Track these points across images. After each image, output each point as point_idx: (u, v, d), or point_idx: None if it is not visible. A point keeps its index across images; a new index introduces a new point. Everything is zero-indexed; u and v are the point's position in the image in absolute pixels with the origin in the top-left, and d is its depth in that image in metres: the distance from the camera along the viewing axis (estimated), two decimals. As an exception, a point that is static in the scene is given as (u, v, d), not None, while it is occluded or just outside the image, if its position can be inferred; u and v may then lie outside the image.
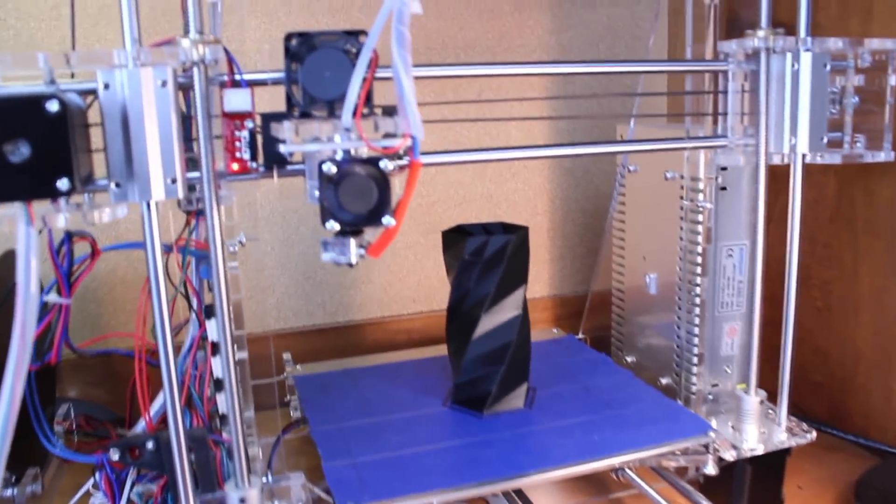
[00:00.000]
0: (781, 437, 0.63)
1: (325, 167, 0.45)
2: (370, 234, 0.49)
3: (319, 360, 0.83)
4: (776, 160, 0.61)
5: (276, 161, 0.49)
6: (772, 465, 0.65)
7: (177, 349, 0.60)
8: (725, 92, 0.62)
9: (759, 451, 0.62)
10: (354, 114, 0.45)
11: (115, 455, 0.55)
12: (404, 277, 0.92)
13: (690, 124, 0.68)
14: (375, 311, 0.92)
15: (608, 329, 0.86)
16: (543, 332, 0.85)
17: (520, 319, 0.64)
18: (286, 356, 0.78)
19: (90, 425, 0.75)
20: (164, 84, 0.44)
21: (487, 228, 0.67)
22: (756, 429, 0.63)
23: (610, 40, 0.94)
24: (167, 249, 0.58)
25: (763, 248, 0.61)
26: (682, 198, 0.69)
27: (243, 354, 0.57)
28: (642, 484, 0.66)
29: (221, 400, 0.59)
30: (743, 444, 0.62)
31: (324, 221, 0.46)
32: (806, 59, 0.58)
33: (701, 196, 0.67)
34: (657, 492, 0.65)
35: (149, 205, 0.46)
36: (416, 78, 0.52)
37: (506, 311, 0.64)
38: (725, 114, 0.62)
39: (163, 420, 0.62)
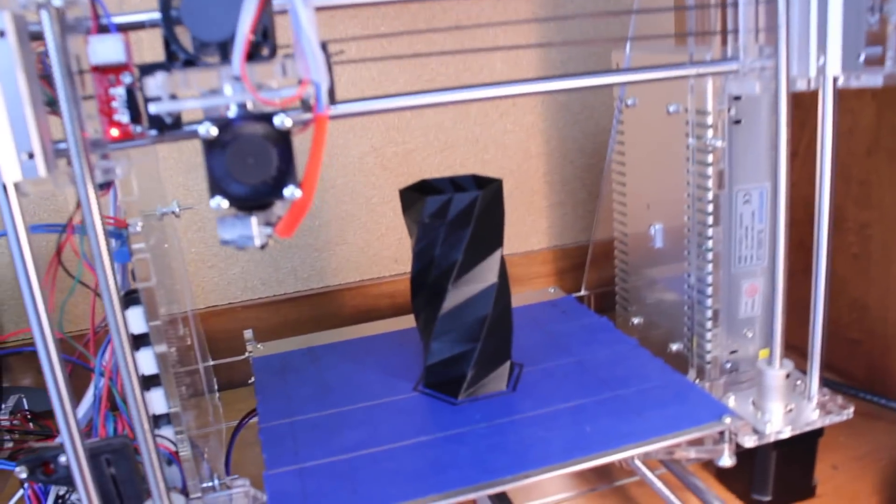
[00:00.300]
0: (812, 417, 0.53)
1: (202, 129, 0.35)
2: (281, 206, 0.39)
3: (294, 331, 0.75)
4: (801, 85, 0.49)
5: (161, 123, 0.40)
6: (800, 449, 0.55)
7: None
8: (736, 4, 0.50)
9: (786, 434, 0.52)
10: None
11: (22, 473, 0.48)
12: (383, 236, 0.82)
13: (694, 46, 0.56)
14: (353, 274, 0.82)
15: (613, 283, 0.76)
16: (539, 292, 0.75)
17: (496, 289, 0.54)
18: (247, 334, 0.69)
19: (34, 422, 0.68)
20: (1, 34, 0.35)
21: (456, 183, 0.57)
22: (781, 407, 0.53)
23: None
24: (58, 230, 0.49)
25: (786, 191, 0.50)
26: (687, 135, 0.58)
27: (161, 348, 0.49)
28: (647, 473, 0.57)
29: (151, 400, 0.51)
30: (766, 426, 0.52)
31: (211, 197, 0.36)
32: (838, -46, 0.46)
33: (710, 132, 0.56)
34: (663, 481, 0.56)
35: (5, 188, 0.37)
36: (389, 3, 0.41)
37: (478, 280, 0.54)
38: (736, 31, 0.51)
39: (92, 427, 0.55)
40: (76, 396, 0.54)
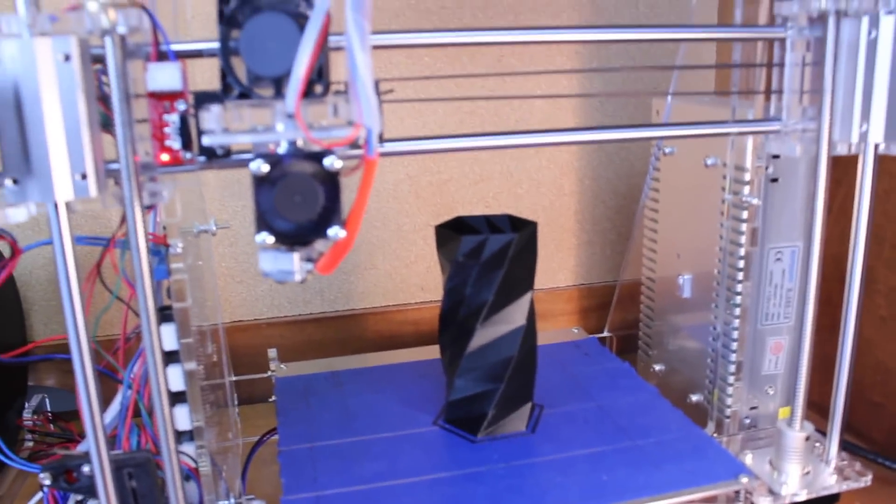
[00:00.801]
0: (829, 482, 0.53)
1: (253, 165, 0.36)
2: (323, 243, 0.40)
3: (318, 351, 0.76)
4: (841, 150, 0.49)
5: (212, 153, 0.40)
6: (817, 512, 0.55)
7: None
8: (782, 65, 0.50)
9: (801, 497, 0.52)
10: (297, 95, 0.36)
11: (46, 480, 0.49)
12: (412, 263, 0.83)
13: (738, 103, 0.57)
14: (379, 299, 0.83)
15: (637, 326, 0.76)
16: (562, 332, 0.75)
17: (522, 331, 0.55)
18: (271, 353, 0.70)
19: (55, 424, 0.69)
20: (67, 58, 0.36)
21: (491, 222, 0.57)
22: (799, 469, 0.53)
23: (651, -2, 0.82)
24: (102, 244, 0.50)
25: (820, 253, 0.50)
26: (724, 189, 0.58)
27: (191, 366, 0.49)
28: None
29: (176, 416, 0.52)
30: (781, 487, 0.52)
31: (257, 232, 0.37)
32: (888, 23, 0.45)
33: (747, 189, 0.56)
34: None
35: (57, 205, 0.38)
36: (426, 45, 0.42)
37: (506, 321, 0.54)
38: (780, 91, 0.51)
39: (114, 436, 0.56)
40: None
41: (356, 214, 0.37)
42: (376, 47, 0.43)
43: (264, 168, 0.36)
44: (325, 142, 0.36)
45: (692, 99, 0.67)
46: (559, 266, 0.87)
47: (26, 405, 0.71)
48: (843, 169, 0.49)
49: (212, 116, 0.37)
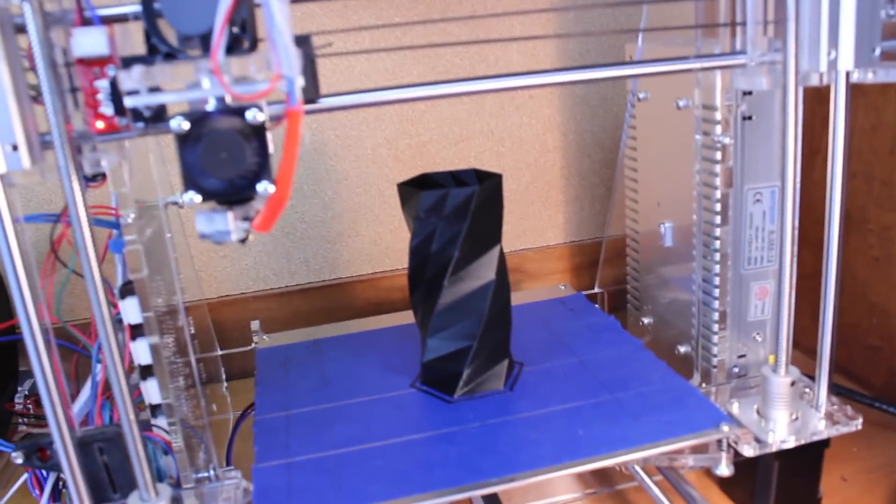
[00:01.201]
0: (818, 427, 0.51)
1: (173, 123, 0.35)
2: (261, 201, 0.39)
3: (306, 322, 0.75)
4: (813, 80, 0.47)
5: (141, 116, 0.39)
6: (806, 459, 0.53)
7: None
8: (743, -6, 0.48)
9: (789, 444, 0.50)
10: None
11: (18, 459, 0.49)
12: (396, 229, 0.81)
13: (702, 39, 0.55)
14: (365, 266, 0.82)
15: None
16: (549, 289, 0.74)
17: (493, 286, 0.53)
18: (254, 325, 0.69)
19: (41, 406, 0.69)
20: (-15, 27, 0.35)
21: (457, 177, 0.56)
22: (786, 415, 0.51)
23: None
24: (52, 220, 0.50)
25: (794, 192, 0.48)
26: (695, 131, 0.56)
27: (154, 339, 0.49)
28: (645, 479, 0.56)
29: (147, 389, 0.51)
30: (768, 435, 0.50)
31: (184, 192, 0.36)
32: (851, -56, 0.44)
33: (718, 128, 0.54)
34: (661, 489, 0.55)
35: (-11, 178, 0.37)
36: None
37: (475, 276, 0.53)
38: (744, 24, 0.49)
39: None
40: (82, 384, 0.55)
41: (285, 168, 0.36)
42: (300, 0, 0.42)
43: (185, 125, 0.35)
44: (245, 94, 0.35)
45: (667, 41, 0.64)
46: (548, 224, 0.85)
47: (18, 389, 0.71)
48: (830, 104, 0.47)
49: (132, 76, 0.36)
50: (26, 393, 0.71)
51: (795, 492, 0.54)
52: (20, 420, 0.70)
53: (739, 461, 0.51)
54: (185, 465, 0.51)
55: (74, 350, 0.57)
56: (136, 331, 0.49)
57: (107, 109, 0.40)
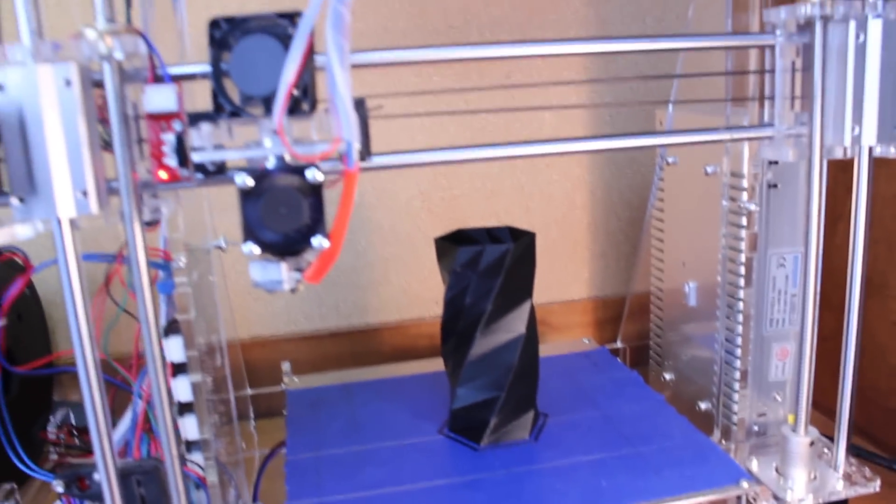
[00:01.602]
0: (836, 487, 0.52)
1: (238, 179, 0.38)
2: (312, 253, 0.41)
3: (334, 365, 0.77)
4: (837, 154, 0.49)
5: (205, 170, 0.42)
6: (823, 519, 0.54)
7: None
8: (773, 71, 0.51)
9: (807, 502, 0.51)
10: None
11: (59, 487, 0.50)
12: (425, 278, 0.84)
13: (731, 110, 0.57)
14: (394, 314, 0.84)
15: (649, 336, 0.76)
16: (573, 342, 0.76)
17: (523, 340, 0.55)
18: (284, 366, 0.71)
19: (78, 437, 0.71)
20: (68, 83, 0.38)
21: (492, 234, 0.58)
22: (805, 474, 0.53)
23: (659, 12, 0.83)
24: (108, 260, 0.52)
25: (817, 258, 0.50)
26: (722, 196, 0.59)
27: (196, 377, 0.51)
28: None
29: (184, 426, 0.53)
30: (786, 493, 0.51)
31: (244, 242, 0.39)
32: (875, 27, 0.46)
33: (744, 195, 0.56)
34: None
35: (60, 221, 0.40)
36: (440, 61, 0.44)
37: (506, 329, 0.55)
38: (772, 98, 0.51)
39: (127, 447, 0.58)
40: (116, 418, 0.57)
41: (339, 224, 0.38)
42: (379, 64, 0.45)
43: (249, 182, 0.37)
44: (306, 155, 0.38)
45: (696, 109, 0.67)
46: (573, 279, 0.87)
47: (51, 419, 0.73)
48: (853, 174, 0.50)
49: (201, 134, 0.39)
50: (58, 423, 0.73)
51: (813, 552, 0.55)
52: (51, 449, 0.72)
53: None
54: (217, 501, 0.53)
55: (113, 384, 0.59)
56: (178, 369, 0.51)
57: (171, 161, 0.43)
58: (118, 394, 0.58)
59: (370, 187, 0.80)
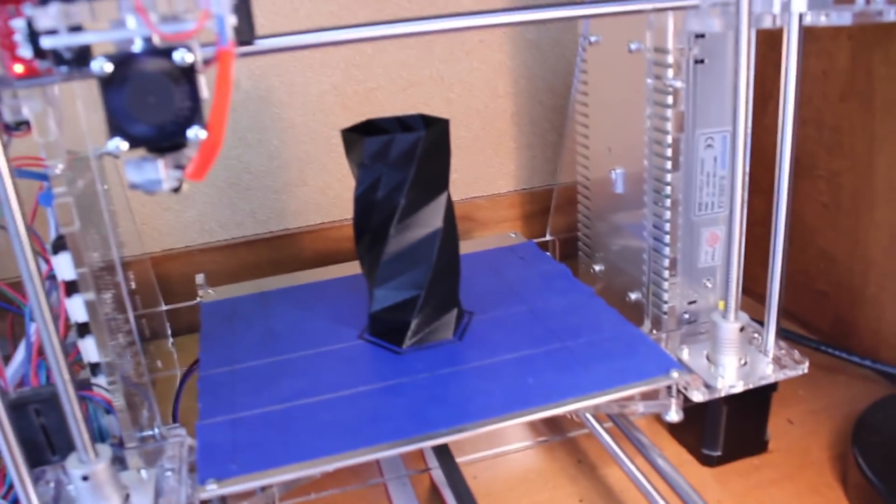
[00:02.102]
0: (766, 371, 0.51)
1: (95, 65, 0.33)
2: (194, 148, 0.37)
3: (253, 275, 0.73)
4: (766, 23, 0.46)
5: (61, 58, 0.37)
6: (753, 403, 0.54)
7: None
8: (699, -70, 0.47)
9: (738, 388, 0.50)
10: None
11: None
12: (344, 178, 0.80)
13: (655, -20, 0.53)
14: (313, 217, 0.80)
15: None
16: (500, 237, 0.73)
17: (440, 234, 0.52)
18: (199, 278, 0.67)
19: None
20: None
21: (403, 122, 0.54)
22: (735, 360, 0.51)
23: None
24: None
25: (745, 137, 0.47)
26: (647, 74, 0.55)
27: (90, 296, 0.47)
28: (596, 426, 0.56)
29: (85, 348, 0.50)
30: (717, 380, 0.50)
31: (109, 138, 0.34)
32: None
33: (670, 72, 0.53)
34: (611, 435, 0.55)
35: None
36: None
37: (422, 224, 0.52)
38: (698, -38, 0.48)
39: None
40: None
41: (217, 112, 0.34)
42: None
43: (108, 68, 0.32)
44: (173, 34, 0.33)
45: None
46: (498, 171, 0.84)
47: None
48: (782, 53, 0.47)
49: (49, 14, 0.33)
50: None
51: (743, 435, 0.55)
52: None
53: (689, 406, 0.51)
54: (128, 424, 0.50)
55: (9, 310, 0.55)
56: (71, 287, 0.47)
57: (25, 52, 0.37)
58: (18, 321, 0.54)
59: (278, 82, 0.74)
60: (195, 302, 0.66)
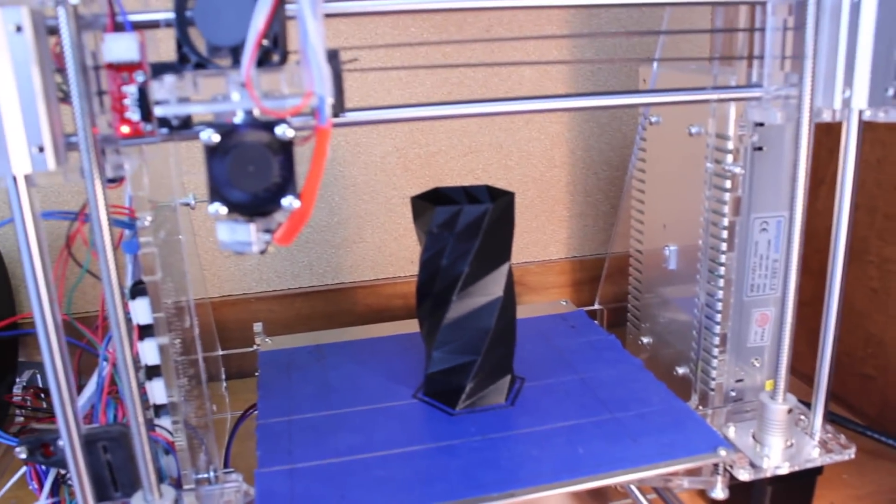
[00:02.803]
0: (812, 454, 0.52)
1: (203, 134, 0.35)
2: (282, 213, 0.39)
3: (306, 325, 0.75)
4: (825, 117, 0.48)
5: (168, 124, 0.40)
6: (798, 485, 0.54)
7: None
8: (763, 29, 0.49)
9: (783, 470, 0.51)
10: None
11: (22, 454, 0.49)
12: (400, 237, 0.82)
13: (719, 69, 0.55)
14: (368, 273, 0.82)
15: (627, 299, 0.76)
16: (550, 304, 0.74)
17: (500, 303, 0.54)
18: (256, 327, 0.70)
19: (44, 399, 0.69)
20: (18, 29, 0.35)
21: (469, 193, 0.57)
22: (781, 442, 0.52)
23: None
24: (69, 218, 0.50)
25: (801, 224, 0.49)
26: (707, 158, 0.57)
27: (163, 340, 0.49)
28: (640, 497, 0.57)
29: (152, 389, 0.52)
30: (763, 460, 0.51)
31: (210, 202, 0.36)
32: (871, -12, 0.45)
33: (730, 158, 0.55)
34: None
35: (16, 179, 0.37)
36: (398, 11, 0.41)
37: (484, 292, 0.54)
38: (761, 57, 0.50)
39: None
40: (85, 380, 0.55)
41: (311, 184, 0.36)
42: (354, 14, 0.43)
43: (215, 138, 0.35)
44: (276, 110, 0.35)
45: (681, 67, 0.65)
46: (551, 238, 0.86)
47: (17, 381, 0.71)
48: (837, 138, 0.48)
49: (164, 86, 0.37)
50: (24, 384, 0.71)
51: (788, 517, 0.55)
52: (17, 411, 0.71)
53: (733, 484, 0.52)
54: (186, 466, 0.51)
55: (78, 346, 0.57)
56: (145, 331, 0.50)
57: (133, 115, 0.40)
58: (86, 357, 0.56)
59: (344, 142, 0.78)
60: (253, 349, 0.68)
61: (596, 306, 0.77)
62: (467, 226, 0.52)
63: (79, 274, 0.53)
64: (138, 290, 0.49)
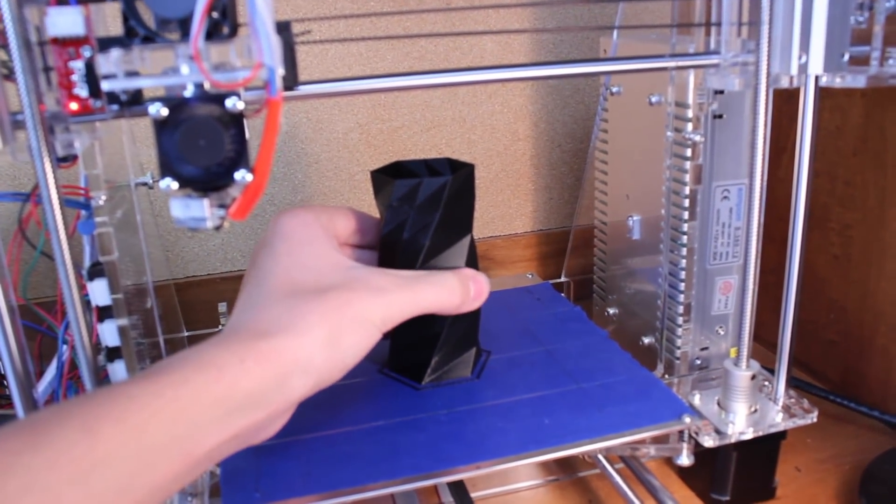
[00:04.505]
0: (776, 419, 0.53)
1: (152, 108, 0.35)
2: (237, 188, 0.38)
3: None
4: (783, 83, 0.48)
5: (117, 100, 0.39)
6: (763, 450, 0.55)
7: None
8: (720, -4, 0.49)
9: (747, 435, 0.52)
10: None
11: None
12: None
13: (677, 37, 0.55)
14: (334, 250, 0.82)
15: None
16: (516, 277, 0.74)
17: (464, 276, 0.54)
18: (221, 307, 0.69)
19: (5, 386, 0.68)
20: (-47, 3, 0.34)
21: (430, 165, 0.56)
22: (745, 408, 0.53)
23: (605, -68, 0.80)
24: (20, 199, 0.49)
25: (761, 191, 0.49)
26: (667, 127, 0.57)
27: (123, 321, 0.49)
28: (607, 467, 0.57)
29: (114, 371, 0.51)
30: (727, 426, 0.52)
31: (161, 178, 0.36)
32: (825, -48, 0.45)
33: (689, 126, 0.55)
34: (622, 476, 0.56)
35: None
36: None
37: (446, 265, 0.53)
38: (719, 24, 0.50)
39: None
40: (47, 364, 0.54)
41: (264, 157, 0.36)
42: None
43: (163, 112, 0.35)
44: (226, 83, 0.35)
45: (641, 37, 0.65)
46: (516, 212, 0.86)
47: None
48: (798, 107, 0.49)
49: (110, 60, 0.36)
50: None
51: (752, 481, 0.56)
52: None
53: (699, 451, 0.52)
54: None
55: (38, 330, 0.57)
56: (104, 312, 0.49)
57: (81, 91, 0.39)
58: (47, 341, 0.56)
59: (305, 119, 0.77)
60: (218, 329, 0.68)
61: (562, 279, 0.77)
62: (428, 198, 0.51)
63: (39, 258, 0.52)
64: (96, 271, 0.48)
